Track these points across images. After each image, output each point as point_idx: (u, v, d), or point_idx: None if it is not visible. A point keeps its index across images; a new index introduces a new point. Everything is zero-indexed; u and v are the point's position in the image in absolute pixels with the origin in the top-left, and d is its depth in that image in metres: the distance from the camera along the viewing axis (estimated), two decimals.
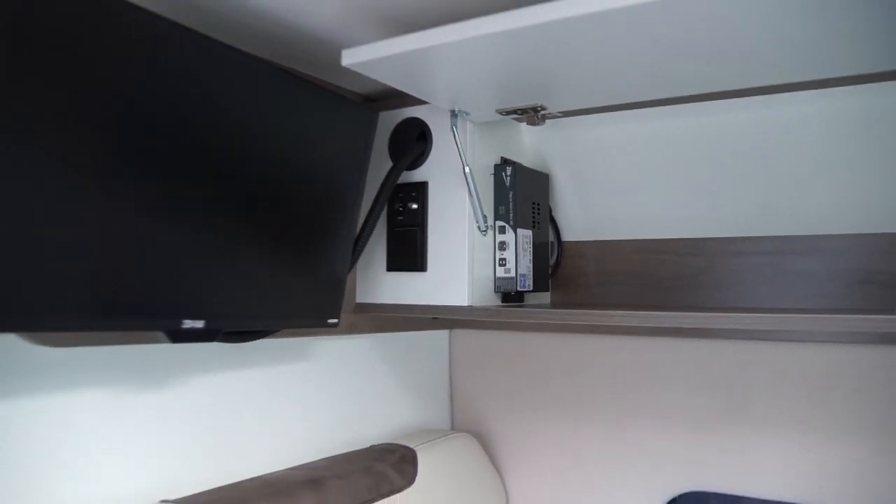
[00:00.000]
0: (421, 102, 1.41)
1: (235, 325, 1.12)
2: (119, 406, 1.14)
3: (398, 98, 1.46)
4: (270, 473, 1.34)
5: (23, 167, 0.78)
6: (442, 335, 1.91)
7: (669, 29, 0.93)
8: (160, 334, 1.01)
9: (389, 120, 1.46)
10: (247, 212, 1.08)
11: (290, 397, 1.45)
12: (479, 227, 1.40)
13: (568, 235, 1.71)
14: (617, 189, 1.59)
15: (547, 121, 1.39)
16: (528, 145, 1.59)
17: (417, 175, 1.43)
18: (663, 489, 1.61)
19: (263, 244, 1.12)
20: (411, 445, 1.58)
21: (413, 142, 1.42)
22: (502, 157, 1.48)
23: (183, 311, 1.00)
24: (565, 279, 1.72)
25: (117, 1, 0.86)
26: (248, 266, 1.10)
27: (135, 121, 0.89)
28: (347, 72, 1.29)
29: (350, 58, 1.07)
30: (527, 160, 1.57)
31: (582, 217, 1.67)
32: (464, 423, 1.89)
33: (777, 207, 1.44)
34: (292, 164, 1.15)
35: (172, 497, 1.18)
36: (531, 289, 1.51)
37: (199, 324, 1.02)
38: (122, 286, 0.91)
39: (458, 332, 1.92)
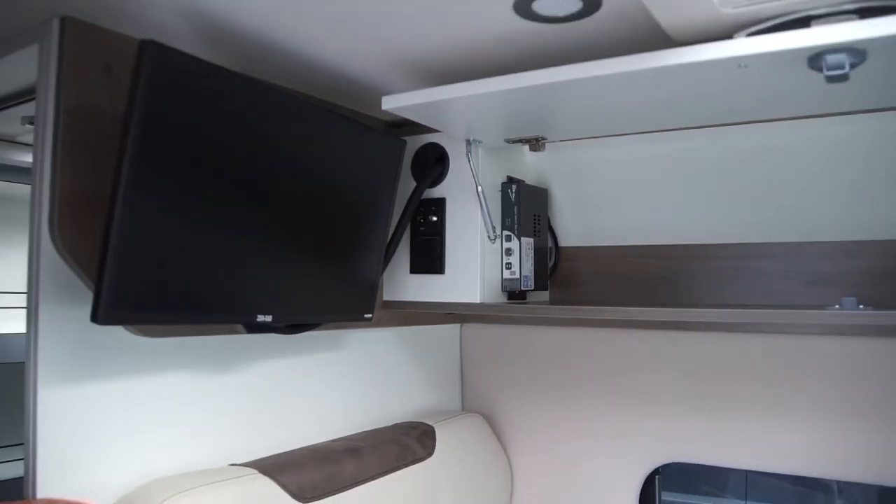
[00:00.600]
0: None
1: (294, 319, 1.37)
2: (198, 386, 1.39)
3: (419, 125, 1.70)
4: (316, 444, 1.59)
5: (149, 203, 1.04)
6: (454, 329, 2.15)
7: (643, 90, 1.19)
8: (239, 326, 1.27)
9: (411, 144, 1.70)
10: (303, 229, 1.33)
11: (330, 380, 1.70)
12: (489, 236, 1.64)
13: (564, 242, 1.94)
14: (607, 202, 1.83)
15: (546, 146, 1.64)
16: (531, 165, 1.83)
17: (436, 192, 1.68)
18: (649, 461, 1.84)
19: (315, 254, 1.37)
20: (430, 423, 1.84)
21: (433, 164, 1.67)
22: (508, 176, 1.72)
23: (257, 307, 1.25)
24: (562, 280, 1.95)
25: (226, 71, 1.11)
26: (304, 272, 1.35)
27: (230, 163, 1.15)
28: (377, 105, 1.55)
29: (389, 103, 1.33)
30: (529, 178, 1.82)
31: (577, 226, 1.90)
32: (473, 404, 2.14)
33: (738, 218, 1.69)
34: (339, 188, 1.40)
35: (240, 462, 1.43)
36: (533, 288, 1.76)
37: (269, 318, 1.27)
38: (215, 289, 1.17)
39: (468, 326, 2.16)
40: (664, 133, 1.63)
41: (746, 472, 1.82)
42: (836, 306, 1.29)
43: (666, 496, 1.91)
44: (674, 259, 1.80)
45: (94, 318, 1.00)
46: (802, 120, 1.46)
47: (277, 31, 1.20)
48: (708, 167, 1.65)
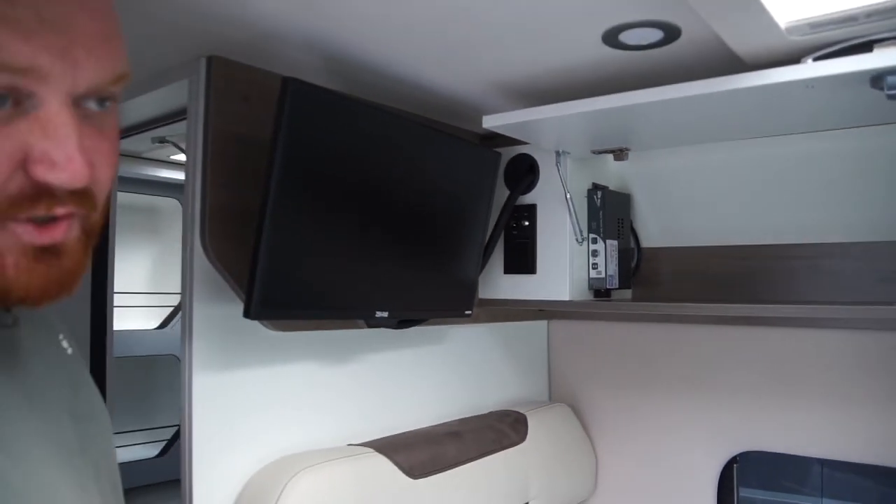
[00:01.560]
0: None
1: (405, 315, 1.54)
2: (321, 375, 1.58)
3: (511, 138, 1.85)
4: (421, 428, 1.76)
5: (291, 217, 1.22)
6: (542, 325, 2.30)
7: (719, 107, 1.32)
8: (360, 322, 1.44)
9: (504, 155, 1.84)
10: (413, 236, 1.50)
11: (433, 371, 1.87)
12: (576, 239, 1.78)
13: (646, 243, 2.06)
14: (686, 205, 1.94)
15: (629, 154, 1.77)
16: (614, 172, 1.96)
17: (528, 199, 1.83)
18: (726, 449, 1.95)
19: (423, 258, 1.54)
20: (522, 411, 1.99)
21: (525, 173, 1.82)
22: (594, 183, 1.86)
23: (376, 305, 1.43)
24: (645, 278, 2.06)
25: (354, 101, 1.29)
26: (413, 274, 1.53)
27: (356, 180, 1.33)
28: (471, 119, 1.70)
29: (489, 122, 1.49)
30: (613, 184, 1.95)
31: (658, 228, 2.02)
32: (560, 395, 2.28)
33: (811, 219, 1.78)
34: (443, 198, 1.57)
35: (356, 442, 1.61)
36: (617, 286, 1.89)
37: (385, 314, 1.44)
38: (343, 290, 1.35)
39: (556, 322, 2.30)
40: (739, 141, 1.74)
41: (822, 469, 1.92)
42: None
43: (744, 492, 2.02)
44: (749, 258, 1.89)
45: (247, 313, 1.19)
46: (870, 127, 1.56)
47: (392, 61, 1.37)
48: (781, 171, 1.76)
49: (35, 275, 0.60)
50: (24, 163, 0.57)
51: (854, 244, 1.75)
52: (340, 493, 1.42)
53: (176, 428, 3.25)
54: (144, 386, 3.00)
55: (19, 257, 0.59)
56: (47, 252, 0.60)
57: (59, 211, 0.59)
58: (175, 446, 3.25)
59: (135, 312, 3.27)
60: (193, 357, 1.34)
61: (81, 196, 0.61)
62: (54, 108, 0.57)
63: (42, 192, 0.58)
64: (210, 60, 1.33)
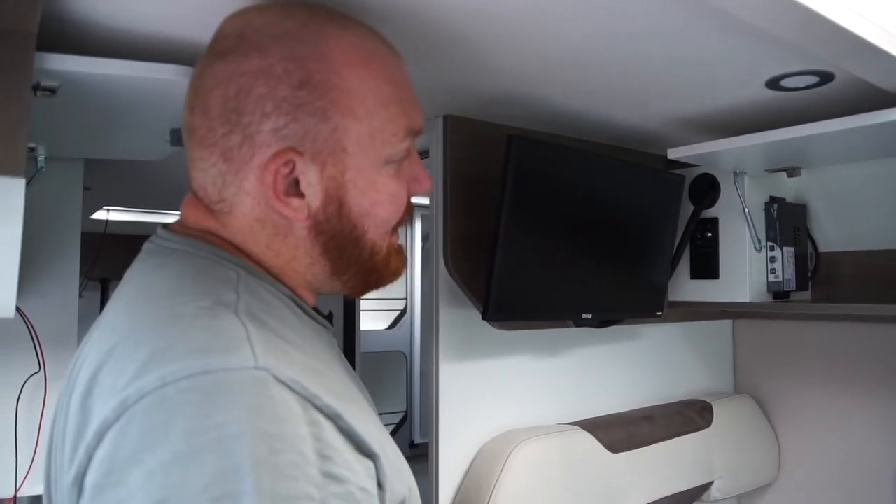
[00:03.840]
0: None
1: (606, 316, 1.85)
2: (536, 366, 1.91)
3: None
4: (619, 412, 2.06)
5: (516, 241, 1.56)
6: (727, 324, 2.52)
7: (871, 134, 1.54)
8: (569, 322, 1.77)
9: (688, 175, 2.10)
10: (611, 249, 1.80)
11: (628, 363, 2.17)
12: (755, 247, 2.00)
13: (823, 248, 2.23)
14: (860, 213, 2.10)
15: (803, 171, 1.99)
16: (790, 185, 2.16)
17: (711, 213, 2.07)
18: None
19: (620, 267, 1.84)
20: (708, 400, 2.24)
21: (707, 190, 2.07)
22: (770, 196, 2.07)
23: (582, 308, 1.74)
24: (823, 281, 2.21)
25: (563, 147, 1.62)
26: (612, 281, 1.83)
27: (567, 208, 1.65)
28: (658, 145, 1.97)
29: (674, 154, 1.76)
30: (789, 196, 2.14)
31: (834, 234, 2.18)
32: (744, 387, 2.49)
33: None
34: (636, 217, 1.86)
35: (565, 421, 1.93)
36: (794, 289, 2.10)
37: (590, 316, 1.75)
38: (557, 297, 1.68)
39: (740, 322, 2.52)
40: None
41: None
42: None
43: None
44: None
45: (485, 316, 1.54)
46: None
47: (591, 108, 1.65)
48: None
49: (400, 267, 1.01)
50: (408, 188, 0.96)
51: None
52: (553, 461, 1.75)
53: (402, 414, 3.69)
54: (375, 378, 3.43)
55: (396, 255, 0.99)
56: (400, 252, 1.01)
57: None
58: (401, 430, 3.70)
59: (364, 315, 3.77)
60: (440, 348, 1.71)
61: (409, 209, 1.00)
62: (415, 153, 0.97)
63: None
64: (447, 119, 1.69)
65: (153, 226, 0.91)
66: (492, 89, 1.51)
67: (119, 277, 0.88)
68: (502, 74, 1.40)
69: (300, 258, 0.90)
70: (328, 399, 0.75)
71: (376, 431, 0.83)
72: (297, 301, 0.90)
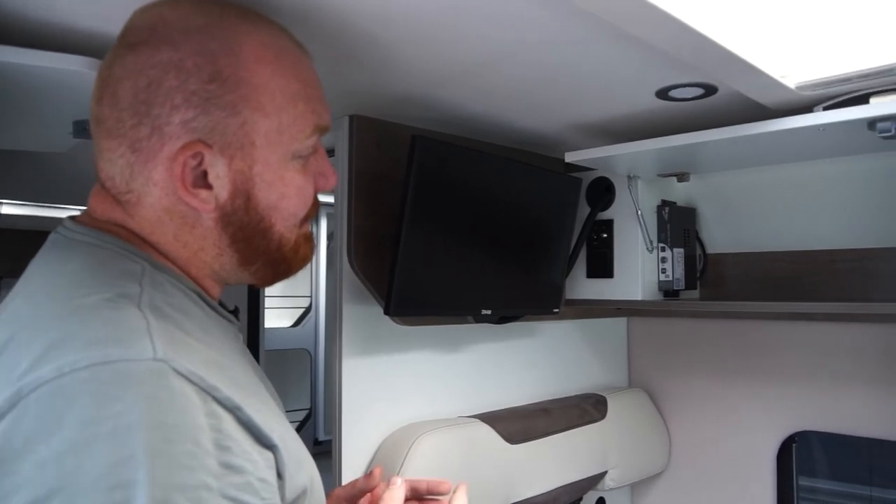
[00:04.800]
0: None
1: (505, 312, 1.91)
2: (437, 360, 1.96)
3: None
4: (517, 405, 2.13)
5: (418, 238, 1.61)
6: (622, 321, 2.63)
7: (752, 143, 1.65)
8: (466, 319, 1.82)
9: (585, 178, 2.18)
10: (510, 249, 1.87)
11: (527, 359, 2.24)
12: (647, 248, 2.10)
13: (711, 249, 2.35)
14: (745, 217, 2.23)
15: (691, 176, 2.11)
16: (681, 189, 2.28)
17: (606, 215, 2.16)
18: (782, 430, 2.24)
19: (518, 266, 1.91)
20: (603, 394, 2.34)
21: (602, 193, 2.16)
22: (662, 200, 2.18)
23: (482, 304, 1.80)
24: (710, 280, 2.33)
25: (465, 149, 1.68)
26: (511, 279, 1.89)
27: (467, 208, 1.71)
28: (556, 149, 2.05)
29: (571, 157, 1.84)
30: (680, 199, 2.26)
31: (721, 236, 2.30)
32: (638, 382, 2.61)
33: (856, 227, 2.04)
34: (534, 218, 1.93)
35: (465, 415, 1.99)
36: (683, 288, 2.21)
37: (489, 312, 1.82)
38: (457, 293, 1.73)
39: (634, 319, 2.62)
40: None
41: (871, 460, 2.20)
42: None
43: (804, 481, 2.32)
44: (801, 262, 2.15)
45: (387, 312, 1.58)
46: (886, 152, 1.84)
47: (493, 111, 1.71)
48: (828, 186, 2.01)
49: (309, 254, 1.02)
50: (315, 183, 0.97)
51: (892, 249, 2.01)
52: (453, 452, 1.80)
53: (306, 412, 3.67)
54: (279, 376, 3.43)
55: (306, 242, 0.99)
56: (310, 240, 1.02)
57: None
58: (305, 428, 3.69)
59: (269, 313, 3.76)
60: (343, 344, 1.74)
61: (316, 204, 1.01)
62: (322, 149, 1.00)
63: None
64: (353, 118, 1.72)
65: (51, 221, 0.91)
66: (397, 90, 1.55)
67: (12, 275, 0.86)
68: (408, 76, 1.44)
69: (208, 249, 0.91)
70: (228, 391, 0.77)
71: (276, 423, 0.84)
72: (202, 295, 0.92)
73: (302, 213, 0.97)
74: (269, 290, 3.53)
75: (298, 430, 3.67)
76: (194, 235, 0.90)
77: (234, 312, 1.01)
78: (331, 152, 1.75)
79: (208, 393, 0.74)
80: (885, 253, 2.02)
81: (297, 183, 0.94)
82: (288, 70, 0.92)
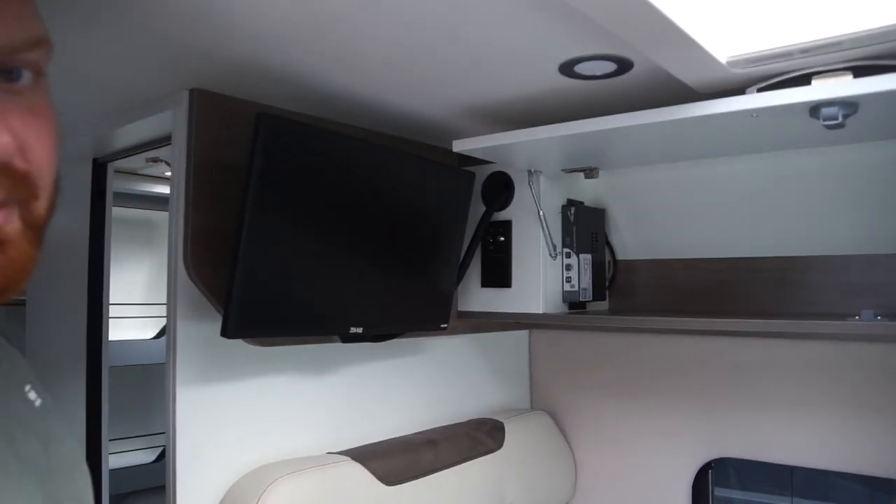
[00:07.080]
0: None
1: (380, 330, 1.62)
2: (300, 387, 1.65)
3: None
4: (400, 436, 1.83)
5: (266, 240, 1.29)
6: (523, 334, 2.37)
7: (674, 132, 1.39)
8: (336, 337, 1.51)
9: (481, 172, 1.92)
10: (388, 252, 1.57)
11: (411, 381, 1.95)
12: (550, 254, 1.85)
13: (622, 255, 2.13)
14: (659, 220, 2.01)
15: (600, 172, 1.85)
16: (589, 187, 2.03)
17: (504, 215, 1.90)
18: (699, 456, 2.03)
19: (398, 273, 1.61)
20: (500, 419, 2.06)
21: (500, 190, 1.89)
22: (568, 199, 1.93)
23: (350, 321, 1.50)
24: (621, 289, 2.13)
25: (324, 131, 1.36)
26: (388, 289, 1.60)
27: (330, 203, 1.40)
28: (447, 139, 1.77)
29: (459, 146, 1.56)
30: (588, 199, 2.02)
31: (633, 241, 2.09)
32: (540, 403, 2.35)
33: (778, 234, 1.85)
34: (419, 216, 1.64)
35: (335, 450, 1.68)
36: (591, 299, 1.96)
37: (360, 329, 1.51)
38: (317, 308, 1.42)
39: (536, 332, 2.37)
40: (711, 158, 1.81)
41: (792, 471, 2.00)
42: (857, 317, 1.45)
43: (720, 492, 2.09)
44: (720, 271, 1.96)
45: (224, 333, 1.26)
46: (830, 147, 1.62)
47: (366, 89, 1.44)
48: (749, 188, 1.82)
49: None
50: None
51: (818, 258, 1.82)
52: (316, 500, 1.49)
53: None
54: (141, 394, 3.07)
55: None
56: None
57: None
58: None
59: (133, 323, 3.36)
60: (178, 371, 1.42)
61: (15, 179, 0.58)
62: None
63: None
64: (193, 93, 1.40)
65: None
66: (246, 58, 1.26)
67: None
68: (257, 38, 1.16)
69: None
70: None
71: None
72: None
73: None
74: (125, 297, 3.15)
75: (163, 455, 3.30)
76: None
77: None
78: (167, 138, 1.43)
79: None
80: (810, 262, 1.84)
81: None
82: None
